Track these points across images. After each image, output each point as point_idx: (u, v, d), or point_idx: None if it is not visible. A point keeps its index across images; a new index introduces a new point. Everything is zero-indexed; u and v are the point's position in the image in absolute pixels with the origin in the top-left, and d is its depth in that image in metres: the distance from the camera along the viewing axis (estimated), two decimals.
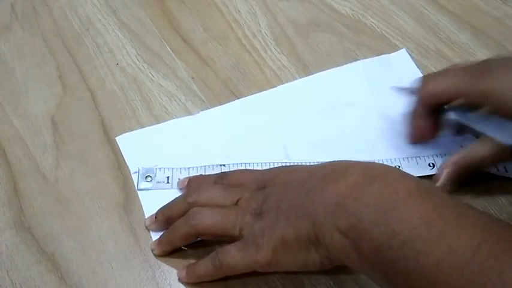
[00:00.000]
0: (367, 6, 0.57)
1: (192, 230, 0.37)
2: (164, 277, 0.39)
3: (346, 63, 0.51)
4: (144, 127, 0.48)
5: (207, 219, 0.37)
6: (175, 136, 0.47)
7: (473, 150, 0.40)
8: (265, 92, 0.50)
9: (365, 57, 0.51)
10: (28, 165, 0.46)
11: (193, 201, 0.38)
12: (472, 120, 0.40)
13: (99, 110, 0.49)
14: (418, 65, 0.51)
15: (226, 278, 0.38)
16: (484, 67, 0.40)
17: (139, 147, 0.46)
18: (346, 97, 0.49)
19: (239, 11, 0.58)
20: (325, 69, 0.51)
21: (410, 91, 0.43)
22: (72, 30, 0.57)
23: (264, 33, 0.55)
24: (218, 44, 0.54)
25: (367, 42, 0.53)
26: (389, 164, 0.43)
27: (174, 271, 0.39)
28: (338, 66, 0.51)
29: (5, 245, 0.41)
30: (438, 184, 0.40)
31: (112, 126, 0.48)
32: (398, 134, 0.44)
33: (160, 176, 0.44)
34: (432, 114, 0.42)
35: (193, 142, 0.47)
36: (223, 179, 0.40)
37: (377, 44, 0.52)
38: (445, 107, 0.41)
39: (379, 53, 0.52)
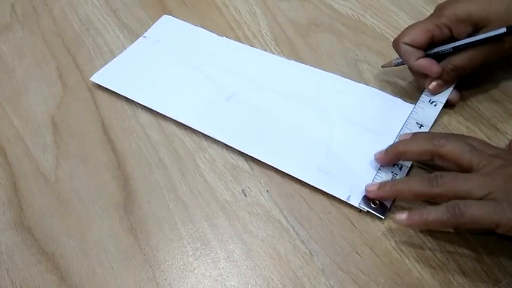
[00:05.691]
0: (367, 6, 0.57)
1: (432, 192, 0.37)
2: (164, 277, 0.39)
3: (345, 63, 0.51)
4: (143, 127, 0.48)
5: (456, 185, 0.36)
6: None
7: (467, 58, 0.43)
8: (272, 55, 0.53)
9: (365, 58, 0.51)
10: (28, 165, 0.46)
11: (440, 144, 0.38)
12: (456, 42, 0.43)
13: (99, 110, 0.50)
14: None
15: (227, 279, 0.38)
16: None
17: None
18: (331, 103, 0.48)
19: (239, 11, 0.58)
20: (324, 69, 0.51)
21: (397, 61, 0.47)
22: (72, 30, 0.57)
23: (264, 33, 0.55)
24: None
25: (367, 42, 0.53)
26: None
27: (174, 271, 0.39)
28: (338, 66, 0.51)
29: (5, 245, 0.41)
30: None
31: (112, 126, 0.48)
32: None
33: None
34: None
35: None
36: (477, 144, 0.39)
37: (377, 44, 0.52)
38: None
39: (379, 53, 0.52)
